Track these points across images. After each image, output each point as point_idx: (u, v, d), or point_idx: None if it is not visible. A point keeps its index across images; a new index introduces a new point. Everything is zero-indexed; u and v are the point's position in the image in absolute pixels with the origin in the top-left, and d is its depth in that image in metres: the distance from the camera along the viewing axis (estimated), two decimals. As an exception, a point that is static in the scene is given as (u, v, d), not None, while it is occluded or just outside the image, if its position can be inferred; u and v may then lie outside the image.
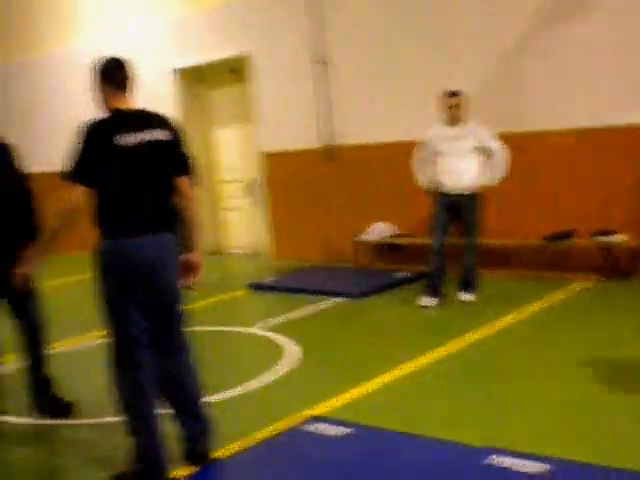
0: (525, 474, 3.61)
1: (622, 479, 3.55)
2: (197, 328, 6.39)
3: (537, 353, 5.72)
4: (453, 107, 7.16)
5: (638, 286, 7.52)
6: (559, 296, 7.30)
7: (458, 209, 7.24)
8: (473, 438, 4.11)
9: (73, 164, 3.80)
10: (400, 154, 8.53)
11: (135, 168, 3.84)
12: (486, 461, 3.79)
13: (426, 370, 5.49)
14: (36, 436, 4.99)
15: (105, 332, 3.97)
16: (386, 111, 9.30)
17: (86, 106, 12.79)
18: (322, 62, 9.77)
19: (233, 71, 11.25)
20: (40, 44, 13.87)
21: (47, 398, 5.18)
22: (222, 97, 11.73)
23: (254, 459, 4.17)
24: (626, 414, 4.37)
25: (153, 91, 11.60)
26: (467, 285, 7.39)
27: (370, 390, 5.16)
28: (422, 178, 7.40)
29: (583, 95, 7.87)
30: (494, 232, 8.15)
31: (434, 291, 7.35)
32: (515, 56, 8.26)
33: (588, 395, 4.72)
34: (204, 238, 11.56)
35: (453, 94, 7.18)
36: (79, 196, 3.78)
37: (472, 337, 6.18)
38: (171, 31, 11.60)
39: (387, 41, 9.19)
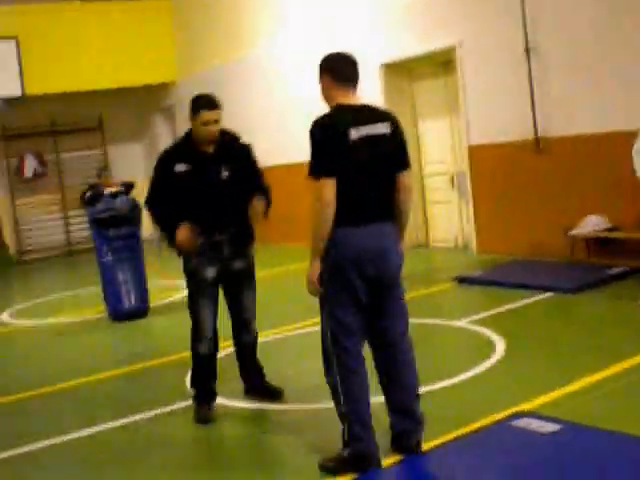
0: None
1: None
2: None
3: None
4: None
5: None
6: None
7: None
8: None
9: (319, 160, 3.87)
10: (613, 144, 8.14)
11: (366, 161, 3.94)
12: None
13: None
14: (248, 419, 5.17)
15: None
16: (597, 100, 8.91)
17: (293, 100, 13.24)
18: (532, 50, 9.48)
19: (442, 64, 11.15)
20: (252, 41, 14.37)
21: (259, 383, 5.36)
22: (428, 89, 11.66)
23: (460, 452, 4.14)
24: None
25: (359, 85, 11.78)
26: None
27: (579, 387, 4.96)
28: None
29: None
30: None
31: None
32: None
33: None
34: (410, 231, 11.59)
35: None
36: (332, 190, 3.84)
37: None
38: (376, 25, 11.66)
39: (598, 27, 8.79)
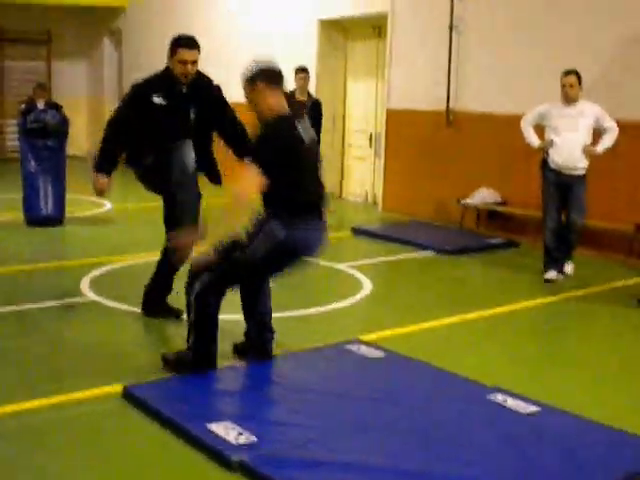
0: (517, 412, 4.14)
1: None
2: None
3: (594, 323, 6.19)
4: (568, 86, 7.34)
5: None
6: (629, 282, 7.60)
7: (567, 188, 7.50)
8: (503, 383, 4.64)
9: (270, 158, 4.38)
10: (513, 126, 8.84)
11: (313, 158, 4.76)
12: (489, 397, 4.34)
13: (483, 322, 6.06)
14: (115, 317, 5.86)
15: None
16: (508, 82, 9.65)
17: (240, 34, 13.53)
18: (456, 28, 10.18)
19: (376, 27, 11.79)
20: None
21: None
22: (361, 51, 12.29)
23: (299, 361, 4.87)
24: None
25: (297, 39, 12.38)
26: (569, 259, 7.65)
27: (422, 329, 5.76)
28: (533, 139, 7.62)
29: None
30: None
31: (556, 265, 7.54)
32: None
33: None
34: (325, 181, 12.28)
35: (568, 73, 7.38)
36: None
37: (539, 302, 6.66)
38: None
39: (516, 11, 9.51)
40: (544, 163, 7.56)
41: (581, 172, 7.40)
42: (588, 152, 7.31)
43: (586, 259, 8.16)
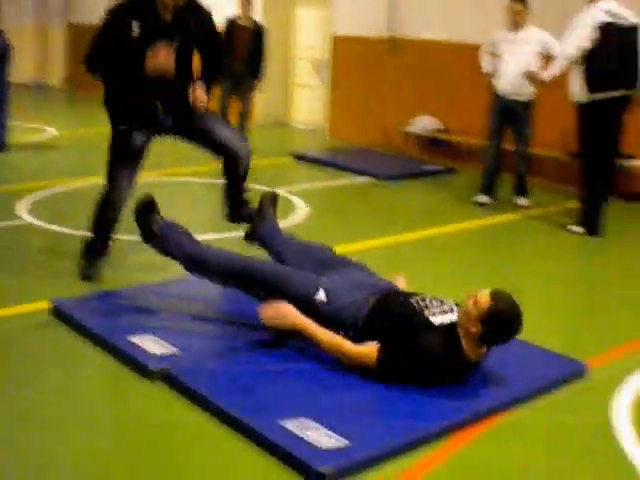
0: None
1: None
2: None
3: (522, 244, 6.47)
4: (513, 13, 7.42)
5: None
6: (565, 205, 7.82)
7: (512, 114, 7.62)
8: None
9: None
10: (458, 54, 8.97)
11: None
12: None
13: (412, 244, 6.28)
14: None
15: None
16: (453, 10, 9.73)
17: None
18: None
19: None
20: None
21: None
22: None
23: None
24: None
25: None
26: (522, 191, 7.82)
27: (351, 250, 5.92)
28: (484, 64, 7.73)
29: None
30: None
31: (489, 190, 7.73)
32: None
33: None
34: (272, 109, 12.36)
35: (517, 0, 7.44)
36: None
37: (467, 225, 6.87)
38: None
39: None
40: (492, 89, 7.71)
41: (525, 98, 7.51)
42: (530, 78, 7.28)
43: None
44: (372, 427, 3.25)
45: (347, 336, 3.76)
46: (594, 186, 6.70)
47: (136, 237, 4.61)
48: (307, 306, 3.87)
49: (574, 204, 7.05)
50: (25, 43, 16.60)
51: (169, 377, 3.68)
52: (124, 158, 4.90)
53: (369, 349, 3.61)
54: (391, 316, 3.74)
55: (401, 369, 3.56)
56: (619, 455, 3.23)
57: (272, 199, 4.88)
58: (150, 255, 4.70)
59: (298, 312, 3.80)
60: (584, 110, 6.63)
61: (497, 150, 7.69)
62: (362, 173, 8.80)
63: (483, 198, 7.68)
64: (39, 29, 17.75)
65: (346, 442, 3.08)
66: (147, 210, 4.43)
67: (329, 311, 3.86)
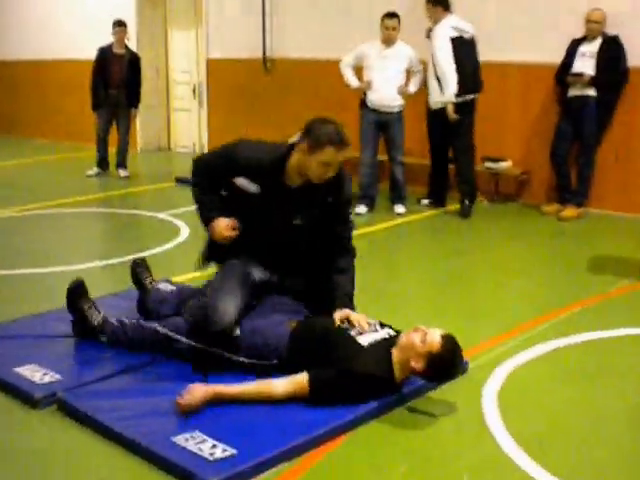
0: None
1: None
2: (115, 210, 7.49)
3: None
4: (390, 29, 7.72)
5: (514, 209, 8.37)
6: (441, 210, 8.16)
7: (385, 126, 7.94)
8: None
9: None
10: (328, 70, 9.20)
11: None
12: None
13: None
14: None
15: None
16: (322, 28, 9.99)
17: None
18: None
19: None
20: None
21: None
22: (178, 0, 12.32)
23: (103, 304, 4.95)
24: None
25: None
26: (400, 199, 8.09)
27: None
28: (352, 80, 7.98)
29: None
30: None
31: (369, 200, 8.01)
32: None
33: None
34: (152, 135, 12.39)
35: (391, 16, 7.75)
36: None
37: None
38: None
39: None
40: (363, 103, 7.97)
41: (397, 110, 7.86)
42: (403, 92, 7.81)
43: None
44: (257, 437, 3.37)
45: (274, 366, 3.81)
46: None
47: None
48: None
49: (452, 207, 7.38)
50: None
51: (54, 402, 3.71)
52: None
53: (298, 384, 3.59)
54: (316, 340, 3.79)
55: (334, 394, 3.58)
56: (490, 440, 3.45)
57: (142, 264, 4.84)
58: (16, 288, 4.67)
59: (204, 386, 3.61)
60: (442, 114, 7.57)
61: (372, 160, 7.97)
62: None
63: (362, 209, 7.92)
64: None
65: (234, 451, 3.20)
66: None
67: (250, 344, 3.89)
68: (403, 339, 3.71)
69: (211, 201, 4.26)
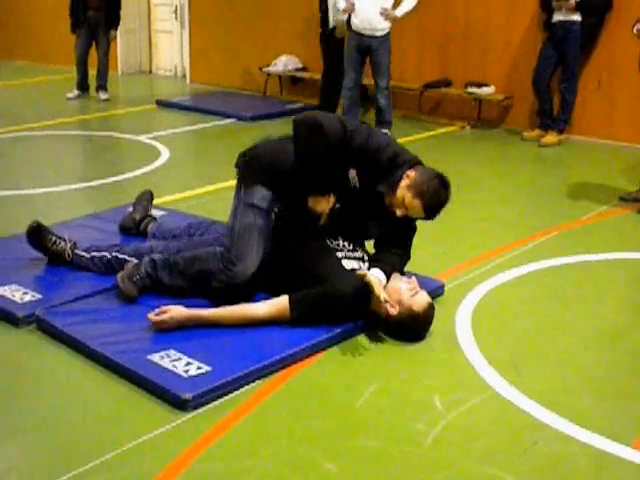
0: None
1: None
2: (94, 133, 7.42)
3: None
4: None
5: (496, 135, 8.36)
6: (425, 135, 8.14)
7: (368, 50, 7.83)
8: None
9: None
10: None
11: None
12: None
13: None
14: None
15: None
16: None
17: None
18: None
19: None
20: None
21: None
22: None
23: (78, 225, 5.00)
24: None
25: None
26: (382, 123, 7.94)
27: (207, 191, 6.05)
28: (341, 3, 7.79)
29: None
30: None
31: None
32: None
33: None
34: (133, 58, 12.23)
35: None
36: None
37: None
38: None
39: None
40: (348, 26, 7.86)
41: (381, 34, 7.71)
42: (386, 15, 7.63)
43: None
44: (231, 354, 3.43)
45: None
46: None
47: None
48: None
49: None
50: None
51: (35, 320, 3.75)
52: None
53: (280, 306, 3.62)
54: (303, 252, 3.83)
55: (313, 314, 3.62)
56: (462, 360, 3.52)
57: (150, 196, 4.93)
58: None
59: (184, 309, 3.61)
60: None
61: (353, 85, 7.90)
62: (226, 116, 8.89)
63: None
64: None
65: (208, 368, 3.26)
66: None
67: None
68: (392, 281, 3.75)
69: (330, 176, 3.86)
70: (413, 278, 3.79)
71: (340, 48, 8.29)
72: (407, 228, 3.99)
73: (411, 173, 3.75)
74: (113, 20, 9.85)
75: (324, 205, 3.87)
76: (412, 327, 3.67)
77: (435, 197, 3.73)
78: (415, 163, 3.86)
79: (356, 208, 3.96)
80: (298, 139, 3.88)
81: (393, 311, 3.63)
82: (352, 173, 3.84)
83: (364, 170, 3.83)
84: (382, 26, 7.69)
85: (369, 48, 7.77)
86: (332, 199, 3.88)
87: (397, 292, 3.68)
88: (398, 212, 3.76)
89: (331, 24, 8.24)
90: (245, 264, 3.79)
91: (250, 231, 3.84)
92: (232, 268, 3.80)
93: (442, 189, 3.75)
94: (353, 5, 7.68)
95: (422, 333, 3.70)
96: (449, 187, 3.78)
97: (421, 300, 3.65)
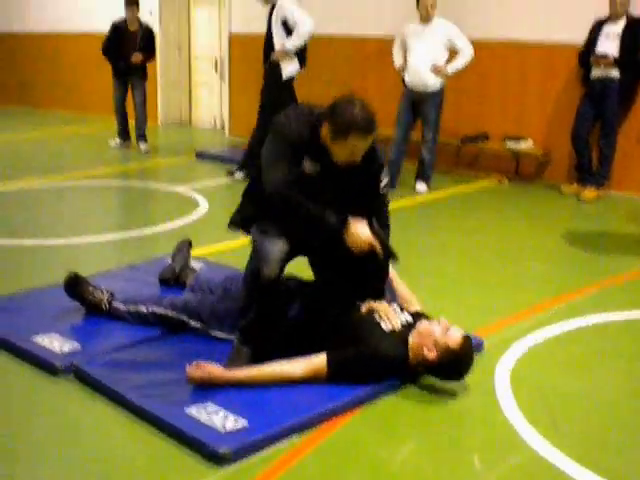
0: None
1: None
2: (134, 183, 7.47)
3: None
4: (428, 7, 7.62)
5: (534, 189, 8.33)
6: (463, 190, 8.13)
7: (419, 104, 7.88)
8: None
9: None
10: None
11: None
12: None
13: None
14: None
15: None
16: (348, 5, 9.96)
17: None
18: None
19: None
20: None
21: None
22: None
23: (119, 276, 5.05)
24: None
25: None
26: (422, 177, 8.04)
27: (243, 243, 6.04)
28: (396, 60, 7.97)
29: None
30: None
31: (392, 179, 7.70)
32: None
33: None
34: (175, 110, 12.41)
35: None
36: None
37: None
38: None
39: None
40: (403, 82, 7.94)
41: (432, 89, 7.77)
42: (437, 71, 7.69)
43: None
44: (268, 409, 3.40)
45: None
46: None
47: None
48: None
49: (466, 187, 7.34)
50: None
51: (73, 370, 3.75)
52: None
53: (317, 365, 3.57)
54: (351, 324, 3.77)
55: (351, 374, 3.57)
56: (501, 418, 3.47)
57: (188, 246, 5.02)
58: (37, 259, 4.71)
59: (220, 369, 3.58)
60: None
61: (401, 139, 7.95)
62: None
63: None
64: None
65: (245, 423, 3.24)
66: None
67: None
68: (424, 325, 3.71)
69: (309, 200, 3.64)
70: (443, 318, 3.75)
71: (286, 91, 8.26)
72: (374, 198, 3.83)
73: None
74: (145, 73, 10.09)
75: (359, 229, 3.65)
76: (454, 365, 3.61)
77: (342, 113, 3.46)
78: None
79: (335, 188, 3.70)
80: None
81: (431, 355, 3.58)
82: (307, 164, 3.63)
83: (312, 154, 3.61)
84: (433, 82, 7.73)
85: (419, 103, 7.82)
86: (362, 219, 3.69)
87: (429, 334, 3.61)
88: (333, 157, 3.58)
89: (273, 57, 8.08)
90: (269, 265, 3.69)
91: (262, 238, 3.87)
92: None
93: (349, 105, 3.48)
94: (403, 64, 7.76)
95: (466, 368, 3.63)
96: (361, 104, 3.49)
97: (455, 336, 3.59)
